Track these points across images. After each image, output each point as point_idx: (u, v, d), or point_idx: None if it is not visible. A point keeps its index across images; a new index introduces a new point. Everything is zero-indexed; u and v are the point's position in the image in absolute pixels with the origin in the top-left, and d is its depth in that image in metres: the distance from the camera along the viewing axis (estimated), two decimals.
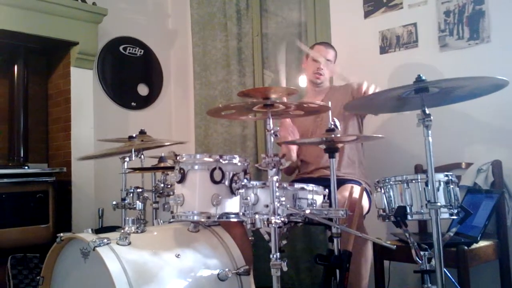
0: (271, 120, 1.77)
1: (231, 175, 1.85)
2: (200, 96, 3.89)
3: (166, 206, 2.36)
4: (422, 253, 1.76)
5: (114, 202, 2.38)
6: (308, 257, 3.21)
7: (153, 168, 2.45)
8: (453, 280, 1.89)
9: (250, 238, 2.22)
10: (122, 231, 1.86)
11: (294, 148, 2.79)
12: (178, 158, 1.89)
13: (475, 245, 2.20)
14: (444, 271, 1.64)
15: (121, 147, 2.46)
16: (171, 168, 2.26)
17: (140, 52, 3.95)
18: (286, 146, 2.76)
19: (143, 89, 3.98)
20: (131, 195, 2.33)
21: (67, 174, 3.33)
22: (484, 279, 2.47)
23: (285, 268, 1.65)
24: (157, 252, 1.81)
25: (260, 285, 2.24)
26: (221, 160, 1.84)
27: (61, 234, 1.85)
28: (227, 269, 1.88)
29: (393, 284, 2.52)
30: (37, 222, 3.13)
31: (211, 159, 1.85)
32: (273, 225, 1.67)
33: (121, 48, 3.85)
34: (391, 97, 1.82)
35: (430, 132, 1.66)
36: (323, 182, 2.09)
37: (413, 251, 1.78)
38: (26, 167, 3.21)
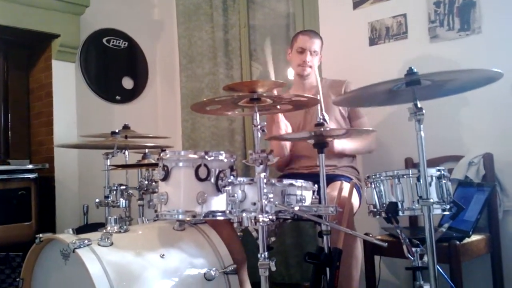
0: (257, 114, 1.71)
1: (217, 172, 1.80)
2: (186, 89, 3.81)
3: (151, 203, 2.30)
4: (414, 249, 1.72)
5: (97, 200, 2.31)
6: (297, 252, 3.17)
7: (136, 165, 2.38)
8: (446, 276, 1.85)
9: (239, 234, 2.16)
10: (104, 231, 1.80)
11: (287, 143, 2.70)
12: (161, 154, 1.83)
13: (467, 240, 2.16)
14: (437, 268, 1.60)
15: (104, 141, 2.39)
16: (156, 165, 2.20)
17: (124, 44, 3.85)
18: (278, 142, 2.68)
19: (128, 82, 3.89)
20: (115, 192, 2.26)
21: (50, 170, 3.24)
22: (476, 274, 2.45)
23: (273, 268, 1.60)
24: (140, 252, 1.75)
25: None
26: (206, 157, 1.78)
27: (41, 235, 1.79)
28: (214, 268, 1.84)
29: (384, 280, 2.49)
30: (20, 220, 3.04)
31: (196, 156, 1.79)
32: (261, 223, 1.61)
33: (104, 40, 3.74)
34: (382, 91, 1.76)
35: (422, 126, 1.61)
36: (313, 177, 2.04)
37: (404, 248, 1.73)
38: (7, 164, 3.12)
